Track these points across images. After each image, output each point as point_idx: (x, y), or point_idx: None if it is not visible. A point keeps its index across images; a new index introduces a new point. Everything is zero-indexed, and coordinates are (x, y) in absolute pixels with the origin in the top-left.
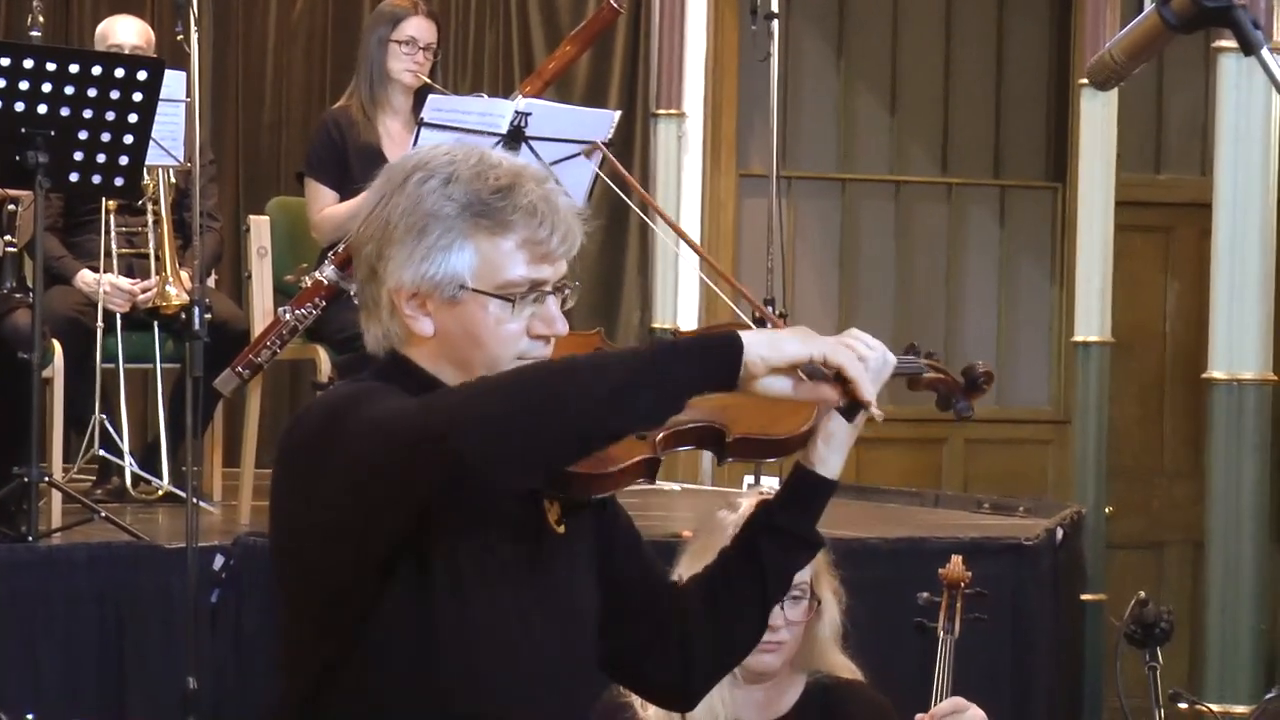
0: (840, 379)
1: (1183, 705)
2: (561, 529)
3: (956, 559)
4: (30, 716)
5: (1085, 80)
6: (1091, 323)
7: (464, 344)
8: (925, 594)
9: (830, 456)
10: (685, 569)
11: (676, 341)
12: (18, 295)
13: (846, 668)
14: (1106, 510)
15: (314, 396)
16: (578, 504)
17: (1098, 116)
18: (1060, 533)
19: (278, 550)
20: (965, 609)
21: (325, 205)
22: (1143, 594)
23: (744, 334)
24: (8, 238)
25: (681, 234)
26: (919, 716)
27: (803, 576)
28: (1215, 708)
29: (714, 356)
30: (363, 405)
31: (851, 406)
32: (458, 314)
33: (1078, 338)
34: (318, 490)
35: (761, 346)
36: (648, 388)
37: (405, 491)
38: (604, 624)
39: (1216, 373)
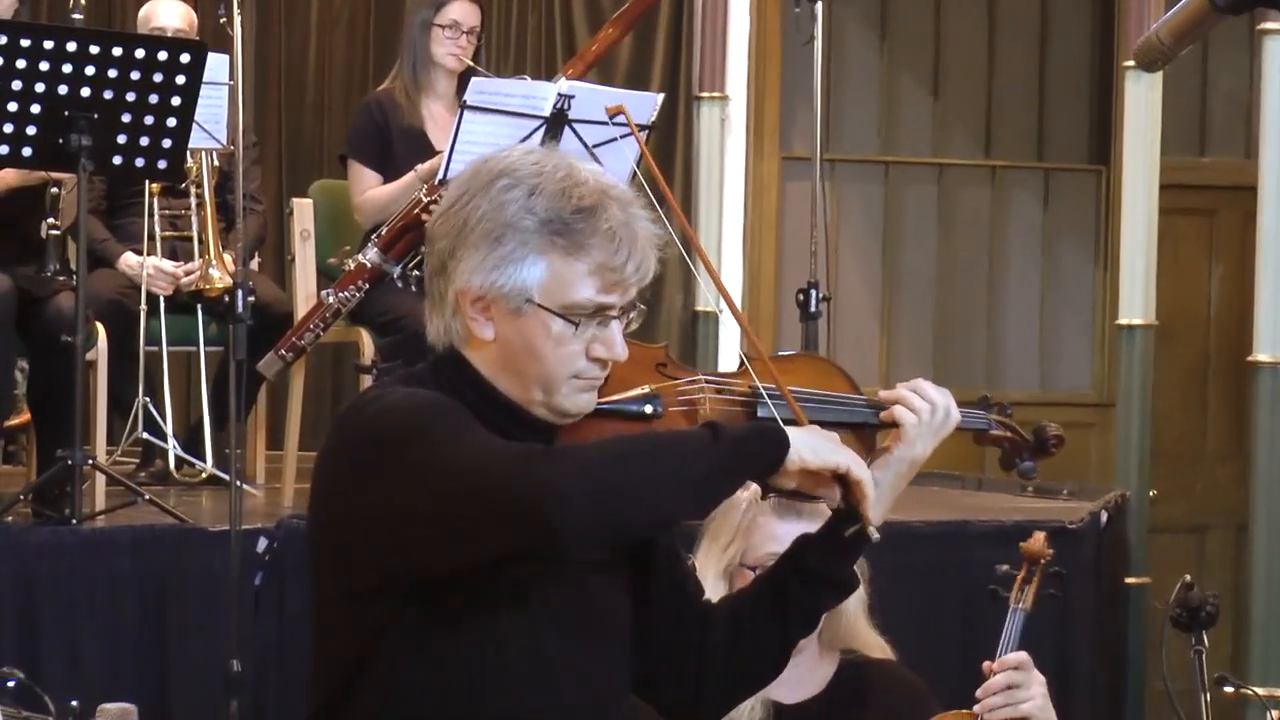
0: (849, 484)
1: (1228, 689)
2: None
3: (1040, 535)
4: (74, 703)
5: (1129, 62)
6: (1135, 306)
7: (522, 355)
8: (1006, 566)
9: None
10: (703, 552)
11: (742, 435)
12: (61, 278)
13: (879, 646)
14: (1150, 494)
15: (357, 380)
16: None
17: (1142, 99)
18: (1104, 516)
19: (310, 540)
20: (1041, 585)
21: (367, 188)
22: (1188, 578)
23: (791, 434)
24: (51, 220)
25: (705, 261)
26: (986, 664)
27: None
28: (1260, 691)
29: (769, 456)
30: (435, 431)
31: (848, 518)
32: (520, 326)
33: (1121, 321)
34: (358, 498)
35: (805, 450)
36: (723, 480)
37: (472, 544)
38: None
39: (1261, 356)
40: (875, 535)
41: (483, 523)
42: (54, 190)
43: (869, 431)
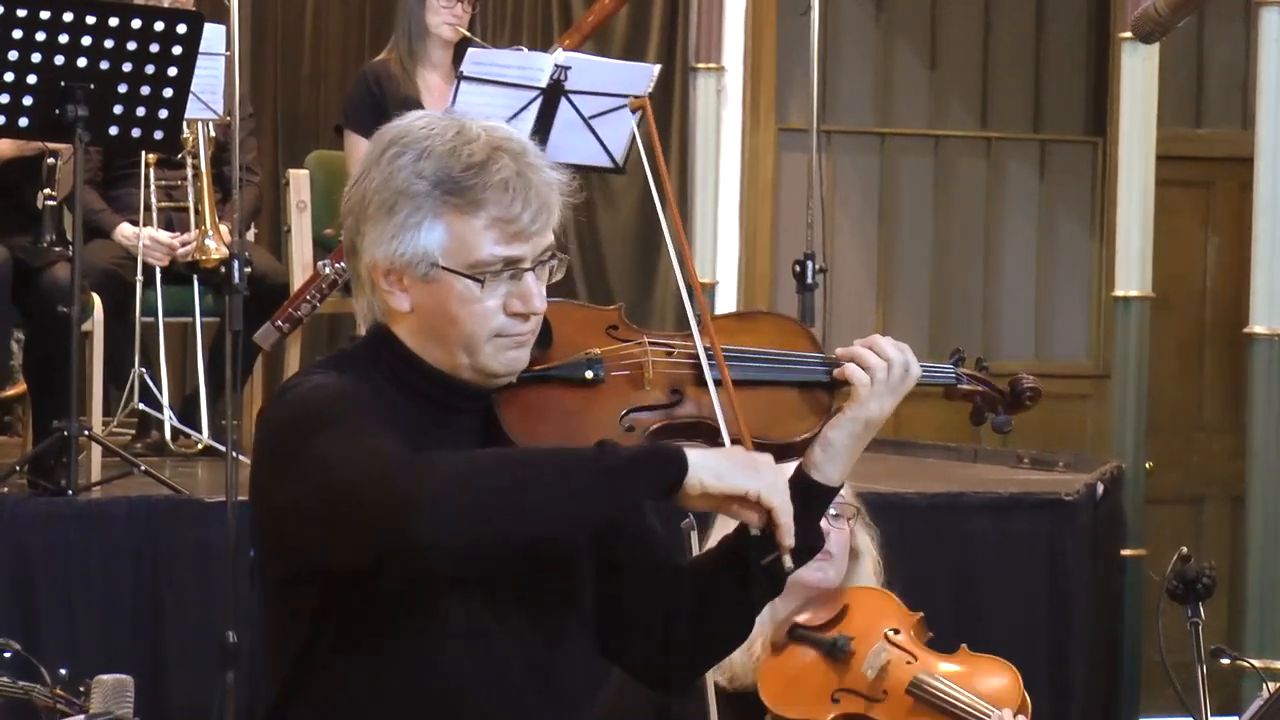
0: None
1: (1224, 661)
2: None
3: None
4: (63, 671)
5: (1126, 33)
6: (1131, 277)
7: (440, 321)
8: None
9: (826, 464)
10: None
11: (633, 455)
12: (57, 249)
13: None
14: (1146, 465)
15: None
16: None
17: (1138, 70)
18: (1100, 488)
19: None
20: None
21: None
22: (1184, 550)
23: (691, 456)
24: (47, 191)
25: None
26: None
27: (842, 496)
28: (1256, 663)
29: (661, 478)
30: (325, 428)
31: (768, 543)
32: (432, 291)
33: (1117, 292)
34: (268, 490)
35: (706, 473)
36: (602, 499)
37: (343, 548)
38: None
39: (1257, 328)
40: (790, 566)
41: (348, 528)
42: (50, 161)
43: (824, 391)
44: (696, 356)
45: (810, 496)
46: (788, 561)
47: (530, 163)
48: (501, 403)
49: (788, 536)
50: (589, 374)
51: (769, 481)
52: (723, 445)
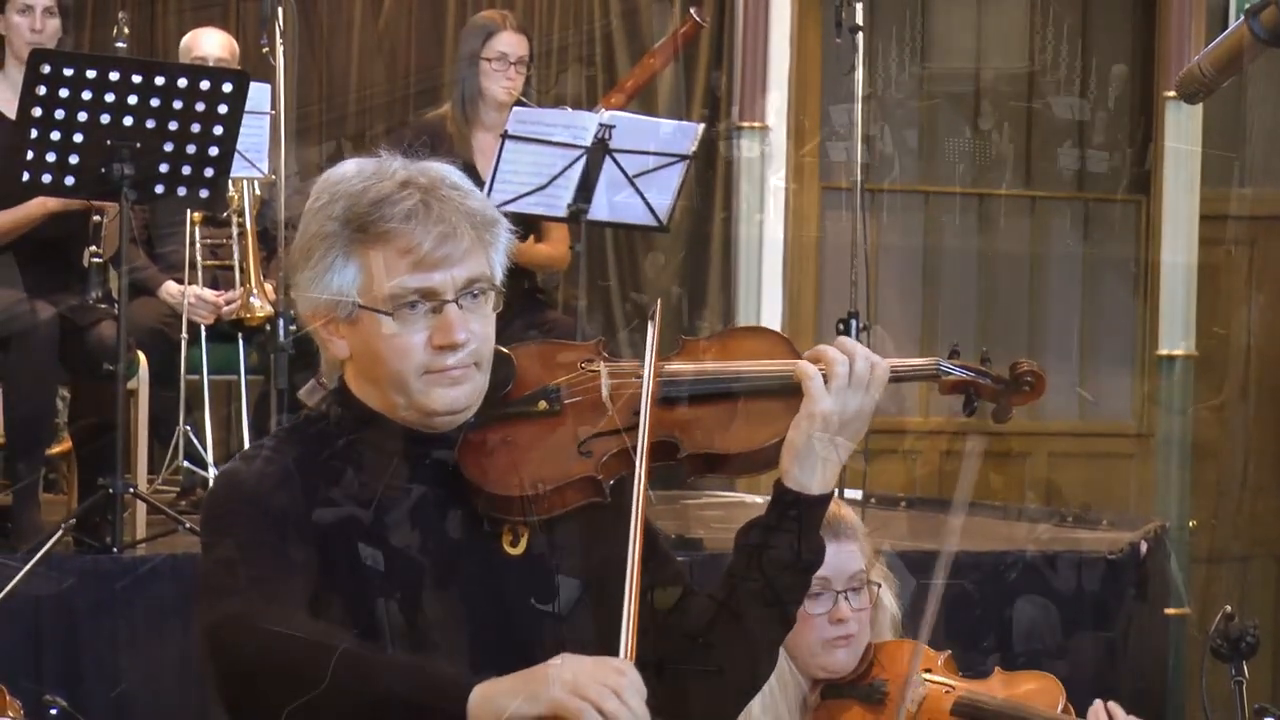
0: None
1: None
2: (519, 549)
3: None
4: None
5: (1170, 93)
6: (1175, 336)
7: (369, 362)
8: None
9: (794, 469)
10: None
11: (416, 690)
12: (103, 306)
13: None
14: (1190, 524)
15: None
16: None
17: (1182, 129)
18: (1144, 547)
19: None
20: None
21: None
22: (1228, 608)
23: (473, 698)
24: (93, 249)
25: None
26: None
27: (857, 565)
28: None
29: (436, 711)
30: (217, 545)
31: None
32: (359, 332)
33: (1161, 351)
34: None
35: (485, 708)
36: (369, 710)
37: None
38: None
39: None
40: None
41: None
42: (96, 219)
43: (788, 397)
44: (660, 379)
45: (786, 507)
46: None
47: (442, 194)
48: (461, 446)
49: None
50: (543, 404)
51: (552, 692)
52: (685, 462)
